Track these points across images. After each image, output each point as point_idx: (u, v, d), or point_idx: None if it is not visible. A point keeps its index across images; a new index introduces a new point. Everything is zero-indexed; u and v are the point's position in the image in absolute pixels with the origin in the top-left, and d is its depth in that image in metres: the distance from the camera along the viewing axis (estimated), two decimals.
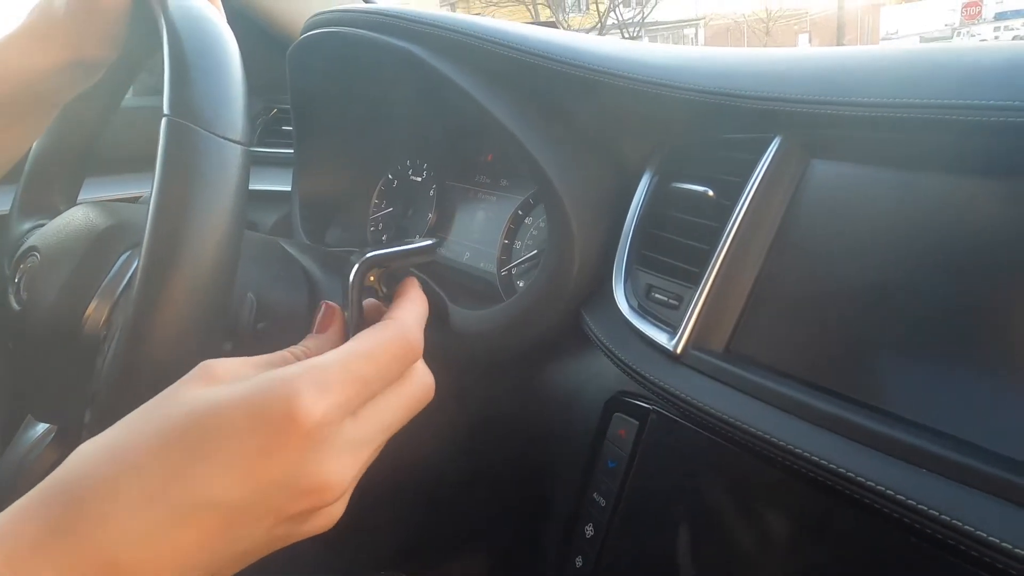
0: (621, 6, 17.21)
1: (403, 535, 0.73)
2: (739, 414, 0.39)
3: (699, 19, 21.56)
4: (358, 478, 0.27)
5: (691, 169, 0.51)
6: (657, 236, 0.51)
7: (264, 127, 1.04)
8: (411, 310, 0.32)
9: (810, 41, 18.81)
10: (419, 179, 0.87)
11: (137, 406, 0.26)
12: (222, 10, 0.48)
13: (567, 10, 17.89)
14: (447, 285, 0.75)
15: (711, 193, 0.47)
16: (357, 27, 0.60)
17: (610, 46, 0.55)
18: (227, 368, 0.27)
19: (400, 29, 0.57)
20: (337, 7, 0.64)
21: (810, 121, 0.43)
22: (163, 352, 0.37)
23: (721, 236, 0.45)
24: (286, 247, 0.62)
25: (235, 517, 0.24)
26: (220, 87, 0.40)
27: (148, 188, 0.38)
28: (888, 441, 0.34)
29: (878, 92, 0.40)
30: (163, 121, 0.38)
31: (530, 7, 16.45)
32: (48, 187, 0.60)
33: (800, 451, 0.36)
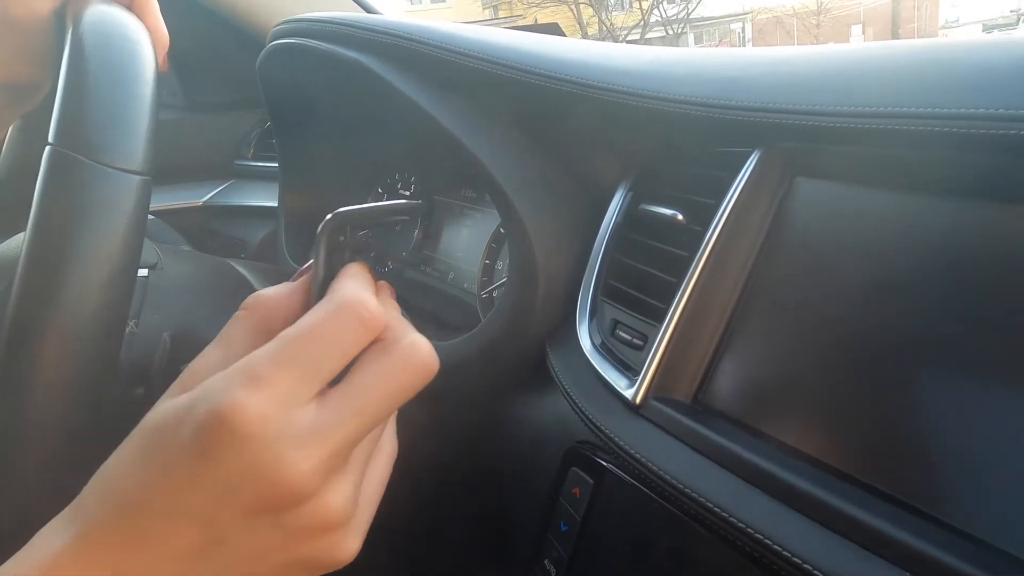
0: (665, 2, 16.92)
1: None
2: (697, 483, 0.33)
3: (746, 13, 21.03)
4: (335, 469, 0.25)
5: (663, 188, 0.45)
6: (625, 265, 0.45)
7: (258, 140, 1.01)
8: (350, 280, 0.27)
9: (863, 32, 18.13)
10: (407, 193, 0.83)
11: (10, 474, 0.26)
12: (164, 31, 0.44)
13: (610, 8, 17.69)
14: (432, 306, 0.71)
15: (680, 217, 0.41)
16: (311, 38, 0.56)
17: (580, 51, 0.49)
18: (196, 376, 0.26)
19: (351, 39, 0.53)
20: (297, 16, 0.60)
21: (792, 133, 0.37)
22: (42, 410, 0.33)
23: (689, 267, 0.39)
24: (242, 271, 0.58)
25: (210, 526, 0.23)
26: (118, 111, 0.36)
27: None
28: (872, 535, 0.28)
29: (868, 99, 0.33)
30: (46, 151, 0.34)
31: (572, 6, 16.32)
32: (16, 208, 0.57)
33: (762, 538, 0.30)
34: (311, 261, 0.28)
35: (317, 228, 0.29)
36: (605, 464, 0.39)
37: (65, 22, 0.40)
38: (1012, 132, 0.28)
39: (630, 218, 0.46)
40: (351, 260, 0.28)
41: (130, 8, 0.42)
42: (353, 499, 0.26)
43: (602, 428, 0.39)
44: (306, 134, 0.78)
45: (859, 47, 0.39)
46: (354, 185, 0.86)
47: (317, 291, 0.27)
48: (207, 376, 0.24)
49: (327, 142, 0.80)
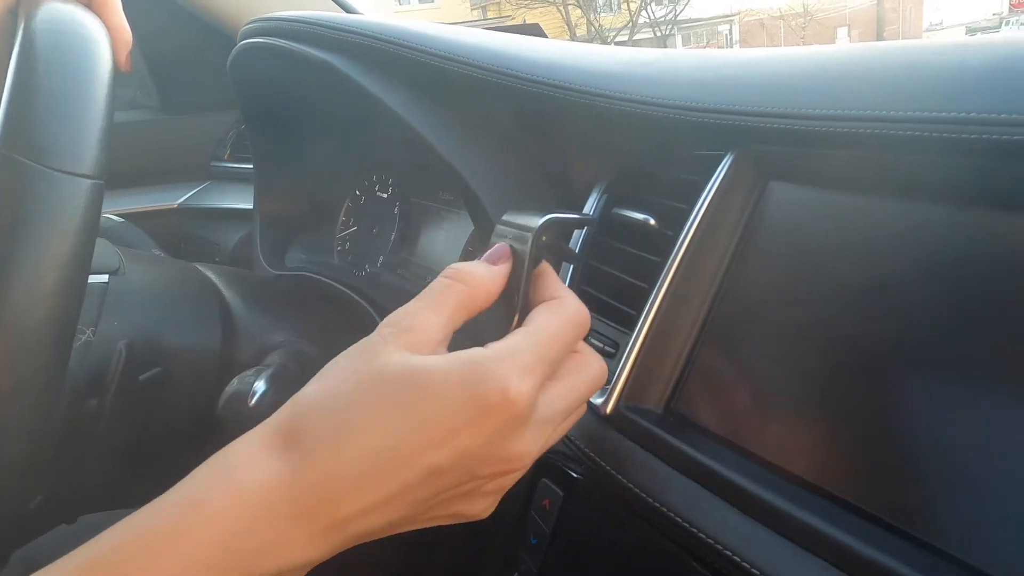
0: (653, 4, 16.96)
1: None
2: (666, 496, 0.32)
3: (734, 15, 21.14)
4: (541, 454, 0.29)
5: (637, 193, 0.44)
6: (598, 270, 0.44)
7: (234, 141, 1.00)
8: (560, 284, 0.33)
9: (849, 34, 18.27)
10: (385, 195, 0.82)
11: None
12: (125, 29, 0.43)
13: (598, 9, 17.71)
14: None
15: (653, 222, 0.40)
16: (280, 37, 0.54)
17: (552, 52, 0.48)
18: (421, 336, 0.28)
19: (320, 38, 0.51)
20: (267, 15, 0.58)
21: (765, 137, 0.36)
22: None
23: (661, 273, 0.38)
24: (209, 275, 0.57)
25: (435, 477, 0.26)
26: (67, 112, 0.35)
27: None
28: (842, 552, 0.27)
29: (843, 102, 0.32)
30: None
31: (560, 7, 16.33)
32: None
33: (731, 554, 0.29)
34: (498, 246, 0.33)
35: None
36: (575, 476, 0.38)
37: (17, 20, 0.39)
38: (992, 136, 0.27)
39: (604, 223, 0.45)
40: (542, 259, 0.33)
41: (89, 6, 0.41)
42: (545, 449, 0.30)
43: (571, 438, 0.38)
44: (280, 135, 0.77)
45: (837, 49, 0.38)
46: (330, 187, 0.85)
47: (524, 283, 0.32)
48: (432, 340, 0.28)
49: (301, 143, 0.79)
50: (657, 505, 0.32)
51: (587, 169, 0.48)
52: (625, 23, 16.82)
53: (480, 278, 0.31)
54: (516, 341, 0.28)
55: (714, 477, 0.32)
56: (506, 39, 0.50)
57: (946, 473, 0.27)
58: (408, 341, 0.28)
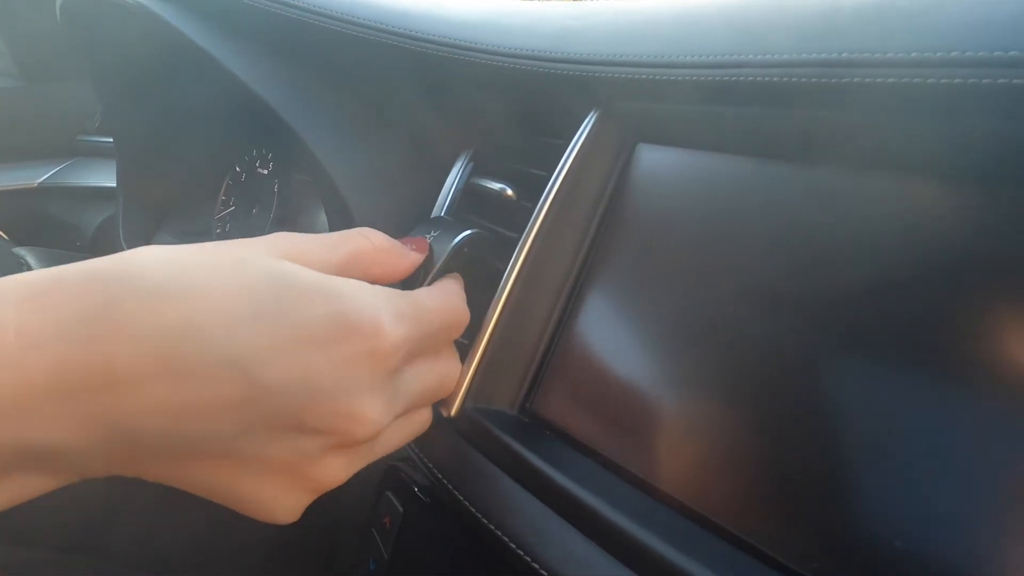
0: None
1: None
2: (508, 520, 0.27)
3: None
4: (379, 435, 0.24)
5: (500, 160, 0.38)
6: None
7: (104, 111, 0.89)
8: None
9: None
10: (265, 172, 0.74)
11: None
12: None
13: None
14: None
15: (510, 192, 0.35)
16: None
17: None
18: (303, 260, 0.24)
19: None
20: None
21: (631, 91, 0.31)
22: None
23: (515, 250, 0.33)
24: (28, 259, 0.48)
25: (256, 400, 0.21)
26: None
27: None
28: None
29: (714, 47, 0.27)
30: None
31: None
32: None
33: None
34: (419, 238, 0.32)
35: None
36: (416, 488, 0.33)
37: None
38: (866, 80, 0.22)
39: (467, 194, 0.39)
40: (456, 269, 0.32)
41: None
42: (384, 442, 0.26)
43: (412, 446, 0.32)
44: (135, 102, 0.68)
45: None
46: (206, 163, 0.76)
47: (432, 278, 0.31)
48: (310, 261, 0.24)
49: (160, 111, 0.70)
50: (493, 528, 0.27)
51: (450, 136, 0.42)
52: None
53: (388, 249, 0.29)
54: (401, 294, 0.26)
55: (557, 492, 0.26)
56: None
57: (818, 488, 0.22)
58: (288, 254, 0.24)
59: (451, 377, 0.30)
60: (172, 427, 0.20)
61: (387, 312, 0.23)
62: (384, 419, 0.24)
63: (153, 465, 0.22)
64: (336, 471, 0.24)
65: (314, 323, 0.22)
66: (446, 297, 0.29)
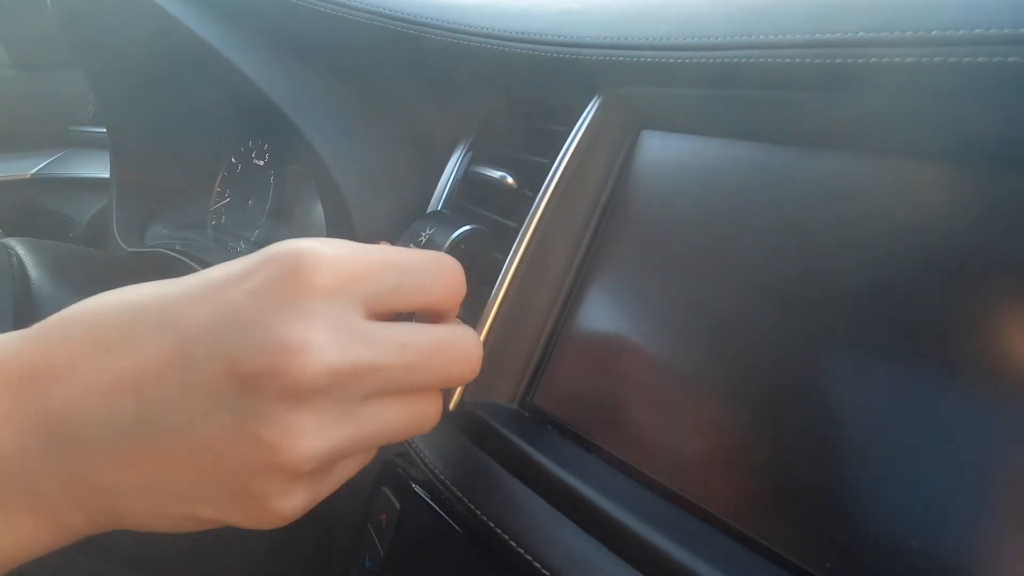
0: None
1: None
2: (502, 512, 0.26)
3: None
4: (321, 462, 0.20)
5: (500, 148, 0.37)
6: None
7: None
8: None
9: None
10: (261, 163, 0.73)
11: None
12: None
13: None
14: None
15: (510, 180, 0.34)
16: None
17: None
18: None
19: None
20: None
21: (634, 75, 0.30)
22: None
23: (515, 240, 0.32)
24: (18, 251, 0.48)
25: (187, 343, 0.20)
26: None
27: None
28: None
29: (707, 29, 0.26)
30: None
31: None
32: None
33: None
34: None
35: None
36: (413, 485, 0.32)
37: None
38: (871, 60, 0.21)
39: (466, 183, 0.39)
40: None
41: None
42: (328, 456, 0.21)
43: (410, 442, 0.31)
44: (130, 92, 0.67)
45: None
46: (201, 153, 0.75)
47: None
48: None
49: (156, 102, 0.69)
50: (492, 526, 0.26)
51: (449, 124, 0.41)
52: None
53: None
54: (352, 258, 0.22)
55: (565, 493, 0.25)
56: None
57: (825, 485, 0.21)
58: None
59: (433, 410, 0.24)
60: (105, 409, 0.20)
61: (314, 241, 0.21)
62: (328, 348, 0.20)
63: (107, 476, 0.20)
64: (301, 434, 0.20)
65: (228, 272, 0.21)
66: (421, 257, 0.24)
